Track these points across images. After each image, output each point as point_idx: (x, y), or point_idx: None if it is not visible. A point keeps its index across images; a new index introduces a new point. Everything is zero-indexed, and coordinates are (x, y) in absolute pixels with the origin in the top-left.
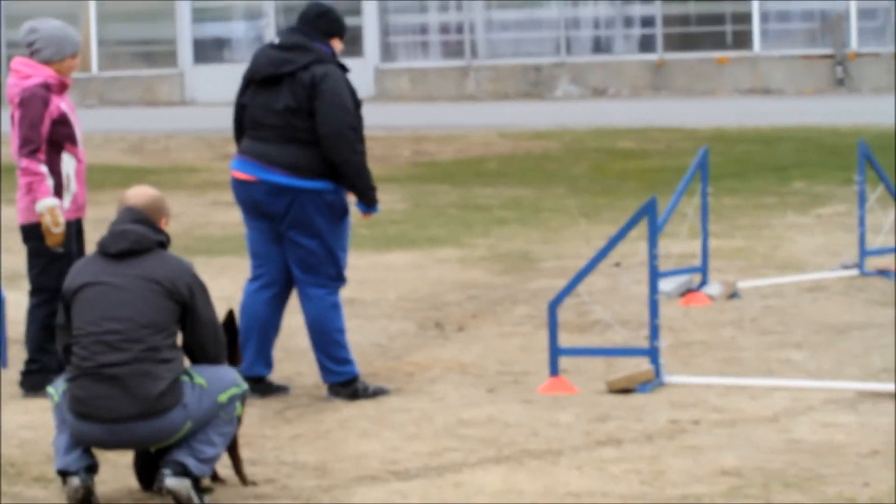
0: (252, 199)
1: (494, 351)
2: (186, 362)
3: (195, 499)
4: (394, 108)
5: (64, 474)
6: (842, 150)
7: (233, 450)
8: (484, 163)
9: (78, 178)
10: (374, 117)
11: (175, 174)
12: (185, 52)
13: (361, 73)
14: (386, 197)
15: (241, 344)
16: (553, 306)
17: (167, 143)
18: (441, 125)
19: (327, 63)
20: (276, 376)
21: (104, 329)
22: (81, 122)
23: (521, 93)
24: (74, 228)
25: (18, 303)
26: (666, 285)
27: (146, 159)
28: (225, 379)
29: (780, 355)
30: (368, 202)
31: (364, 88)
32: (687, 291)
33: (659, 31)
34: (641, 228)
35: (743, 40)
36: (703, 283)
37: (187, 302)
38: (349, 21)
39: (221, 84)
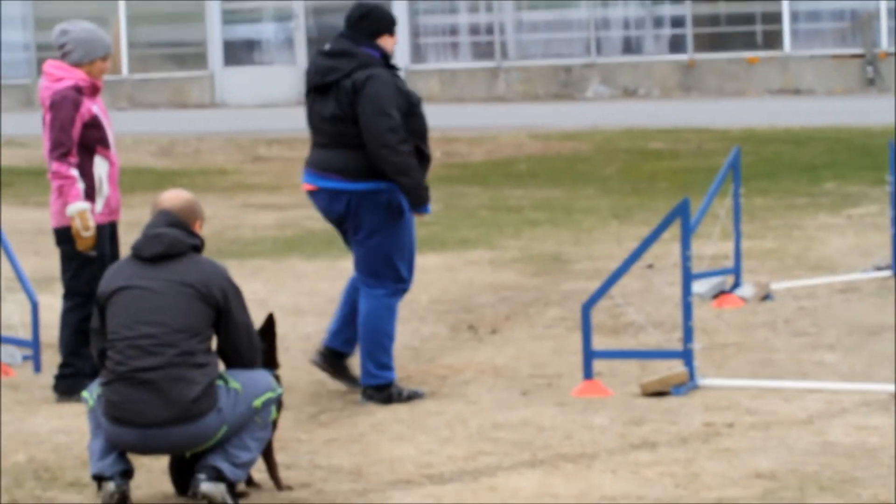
0: (319, 208)
1: (527, 353)
2: (221, 366)
3: (230, 503)
4: (424, 110)
5: (99, 479)
6: (873, 150)
7: (268, 454)
8: (515, 164)
9: (110, 181)
10: None
11: (205, 176)
12: (215, 53)
13: None
14: None
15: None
16: (586, 308)
17: (197, 146)
18: (471, 126)
19: (371, 67)
20: (309, 380)
21: (139, 333)
22: (113, 125)
23: (551, 94)
24: (108, 232)
25: (51, 307)
26: (699, 287)
27: (176, 162)
28: (260, 383)
29: (814, 357)
30: (415, 201)
31: None
32: (720, 293)
33: (689, 31)
34: (673, 230)
35: (773, 40)
36: (737, 284)
37: (221, 306)
38: None
39: (251, 86)
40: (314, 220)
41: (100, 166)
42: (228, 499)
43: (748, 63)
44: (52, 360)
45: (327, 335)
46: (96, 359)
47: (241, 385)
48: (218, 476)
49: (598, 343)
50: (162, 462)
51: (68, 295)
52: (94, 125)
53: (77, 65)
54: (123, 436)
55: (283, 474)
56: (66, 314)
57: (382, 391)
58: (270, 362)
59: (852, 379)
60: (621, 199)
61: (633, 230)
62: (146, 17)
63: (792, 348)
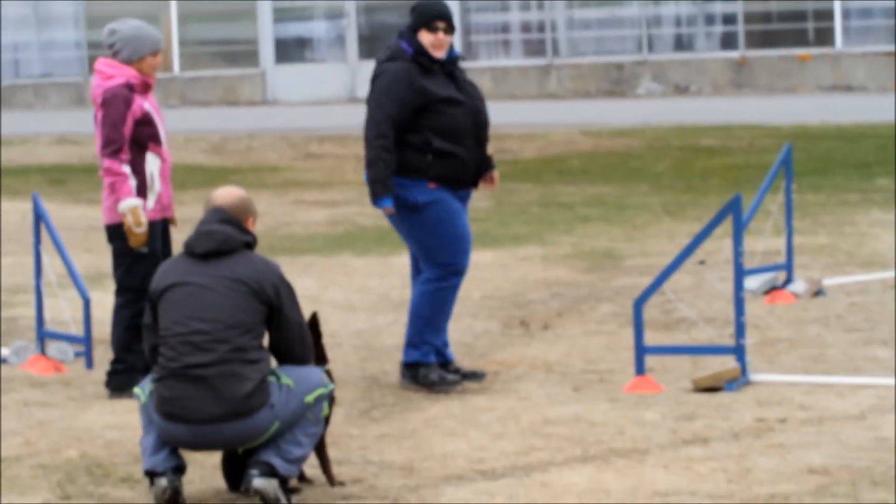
0: None
1: (579, 349)
2: (273, 363)
3: (283, 499)
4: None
5: (151, 475)
6: None
7: (320, 450)
8: (566, 161)
9: (162, 177)
10: None
11: (257, 174)
12: (267, 51)
13: None
14: None
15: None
16: (638, 304)
17: (249, 143)
18: (523, 123)
19: (393, 60)
20: (361, 376)
21: (191, 329)
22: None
23: (602, 91)
24: (160, 228)
25: (103, 303)
26: (751, 283)
27: (228, 159)
28: (312, 379)
29: (866, 352)
30: (370, 193)
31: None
32: (772, 289)
33: (741, 28)
34: (726, 226)
35: (825, 37)
36: (789, 280)
37: (274, 303)
38: None
39: (303, 84)
40: (366, 216)
41: (152, 163)
42: (281, 494)
43: (800, 60)
44: (104, 356)
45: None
46: (148, 355)
47: (293, 381)
48: (270, 472)
49: (650, 339)
50: (214, 458)
51: (120, 291)
52: (145, 122)
53: (127, 62)
54: (176, 432)
55: (336, 470)
56: (118, 310)
57: (410, 368)
58: (318, 358)
59: None
60: (673, 195)
61: (685, 226)
62: (197, 14)
63: (844, 344)
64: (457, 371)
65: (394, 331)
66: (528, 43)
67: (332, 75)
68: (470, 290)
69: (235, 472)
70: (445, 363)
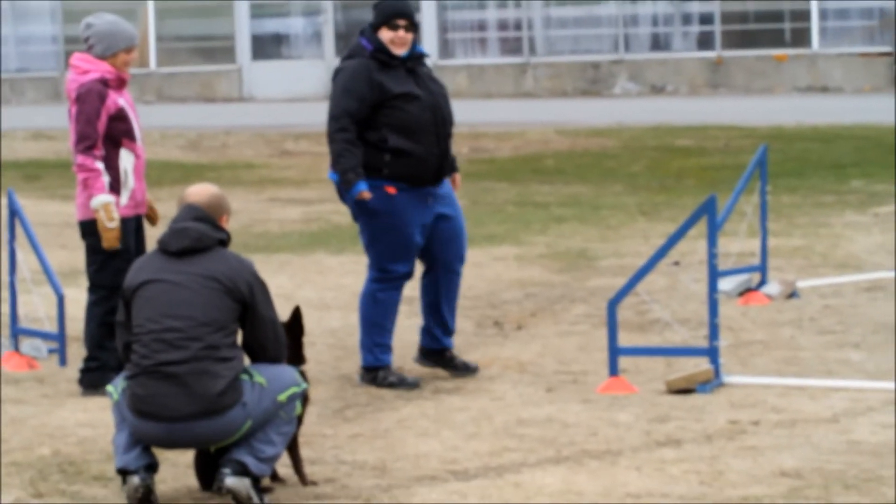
0: None
1: (553, 350)
2: (247, 361)
3: (255, 498)
4: (451, 105)
5: (124, 473)
6: None
7: (292, 449)
8: (542, 160)
9: (136, 174)
10: None
11: (233, 171)
12: (244, 48)
13: None
14: None
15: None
16: (612, 305)
17: (225, 140)
18: (499, 122)
19: (352, 57)
20: (334, 375)
21: (164, 327)
22: (140, 119)
23: (579, 90)
24: (133, 225)
25: (77, 300)
26: (725, 284)
27: (204, 156)
28: (285, 378)
29: (839, 355)
30: (345, 186)
31: None
32: (746, 290)
33: (717, 28)
34: (700, 227)
35: (801, 38)
36: (763, 282)
37: (247, 300)
38: None
39: (279, 80)
40: (340, 214)
41: (125, 159)
42: (253, 493)
43: (776, 61)
44: (77, 353)
45: (420, 336)
46: (121, 352)
47: (266, 379)
48: (242, 470)
49: (624, 340)
50: (187, 456)
51: (93, 288)
52: (120, 118)
53: (101, 57)
54: (148, 429)
55: (308, 469)
56: (91, 307)
57: (369, 371)
58: (298, 357)
59: (878, 377)
60: (648, 195)
61: (659, 227)
62: (174, 10)
63: (817, 346)
64: (452, 360)
65: None
66: (505, 41)
67: (309, 72)
68: None
69: (208, 470)
70: (442, 349)
